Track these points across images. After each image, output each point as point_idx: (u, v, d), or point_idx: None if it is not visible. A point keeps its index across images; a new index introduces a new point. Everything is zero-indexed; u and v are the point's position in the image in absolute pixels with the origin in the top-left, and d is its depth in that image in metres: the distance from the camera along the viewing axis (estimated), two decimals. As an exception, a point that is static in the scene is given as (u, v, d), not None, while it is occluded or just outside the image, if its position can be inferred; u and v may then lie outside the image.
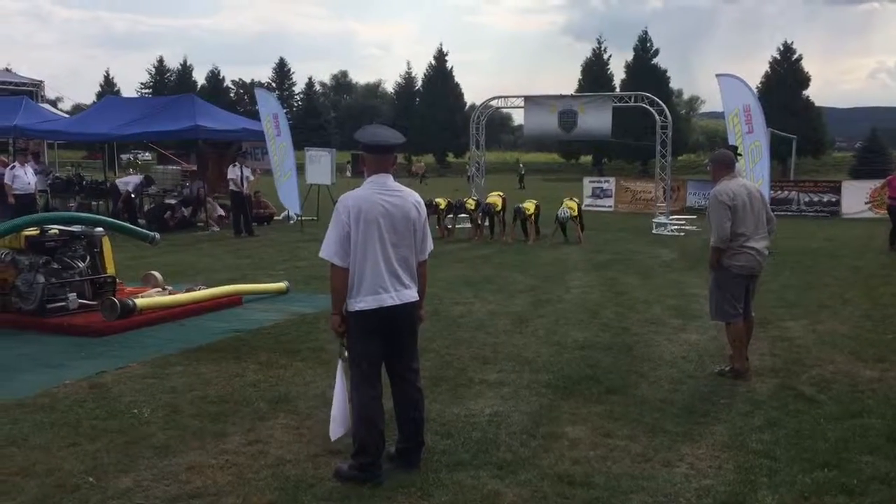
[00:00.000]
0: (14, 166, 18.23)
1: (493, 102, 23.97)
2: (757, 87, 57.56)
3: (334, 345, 5.28)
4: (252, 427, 5.41)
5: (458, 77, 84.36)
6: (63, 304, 8.67)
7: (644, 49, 72.65)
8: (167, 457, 4.87)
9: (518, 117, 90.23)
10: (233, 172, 18.50)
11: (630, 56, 73.67)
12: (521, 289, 11.29)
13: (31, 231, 8.91)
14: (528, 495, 4.35)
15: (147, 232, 10.94)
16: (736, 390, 6.35)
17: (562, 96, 22.83)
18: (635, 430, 5.41)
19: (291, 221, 20.95)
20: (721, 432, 5.39)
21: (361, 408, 4.58)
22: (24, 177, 17.73)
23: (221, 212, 21.05)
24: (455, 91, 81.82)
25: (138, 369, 6.89)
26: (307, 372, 6.81)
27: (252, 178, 18.91)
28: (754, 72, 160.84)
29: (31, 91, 27.74)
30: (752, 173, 15.81)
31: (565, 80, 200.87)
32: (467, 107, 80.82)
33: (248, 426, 5.43)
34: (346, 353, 4.70)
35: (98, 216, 9.82)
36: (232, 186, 18.56)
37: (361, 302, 4.50)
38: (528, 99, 22.52)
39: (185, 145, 30.23)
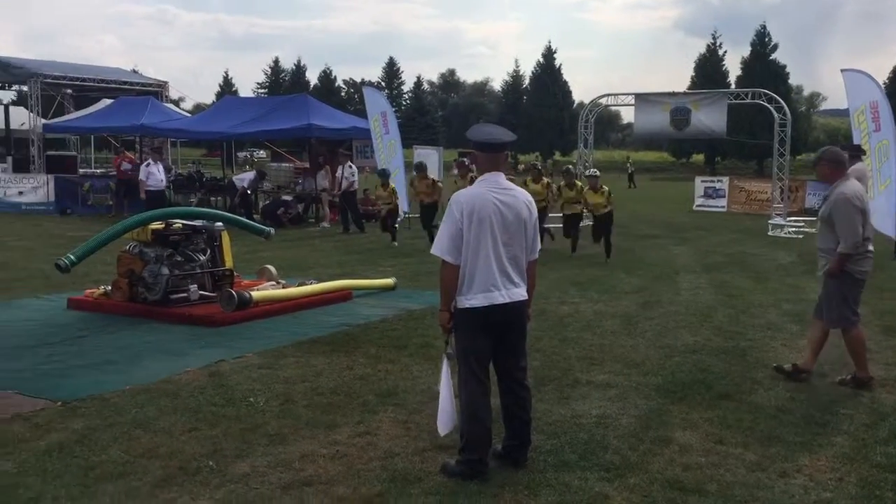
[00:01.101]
0: (149, 163, 19.27)
1: (603, 100, 23.65)
2: (885, 83, 54.60)
3: (441, 341, 5.34)
4: (361, 419, 5.53)
5: (567, 75, 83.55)
6: (185, 295, 9.08)
7: (762, 44, 70.04)
8: (281, 445, 5.04)
9: (627, 115, 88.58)
10: (339, 171, 19.11)
11: (746, 51, 71.21)
12: (628, 290, 11.10)
13: (157, 225, 9.37)
14: (637, 500, 4.28)
15: (262, 227, 11.33)
16: (858, 401, 6.05)
17: (674, 93, 22.29)
18: (749, 437, 5.23)
19: (399, 219, 21.22)
20: (842, 444, 5.15)
21: (469, 405, 4.61)
22: (157, 174, 18.85)
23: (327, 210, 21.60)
24: (563, 89, 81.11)
25: (254, 359, 7.15)
26: (414, 367, 6.90)
27: (354, 178, 19.34)
28: (882, 67, 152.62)
29: (156, 91, 29.15)
30: (879, 174, 15.00)
31: (677, 77, 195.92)
32: (575, 105, 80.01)
33: (357, 418, 5.55)
34: (453, 350, 4.74)
35: (217, 211, 10.25)
36: (344, 185, 19.07)
37: (472, 299, 4.53)
38: (638, 97, 22.09)
39: (297, 143, 31.14)
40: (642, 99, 21.99)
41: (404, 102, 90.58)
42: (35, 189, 23.48)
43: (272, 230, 11.30)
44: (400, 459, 4.81)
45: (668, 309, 9.68)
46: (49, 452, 4.85)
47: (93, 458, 4.76)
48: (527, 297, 4.70)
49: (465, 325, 4.60)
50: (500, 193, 4.60)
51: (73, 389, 6.16)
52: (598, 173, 15.21)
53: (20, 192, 23.40)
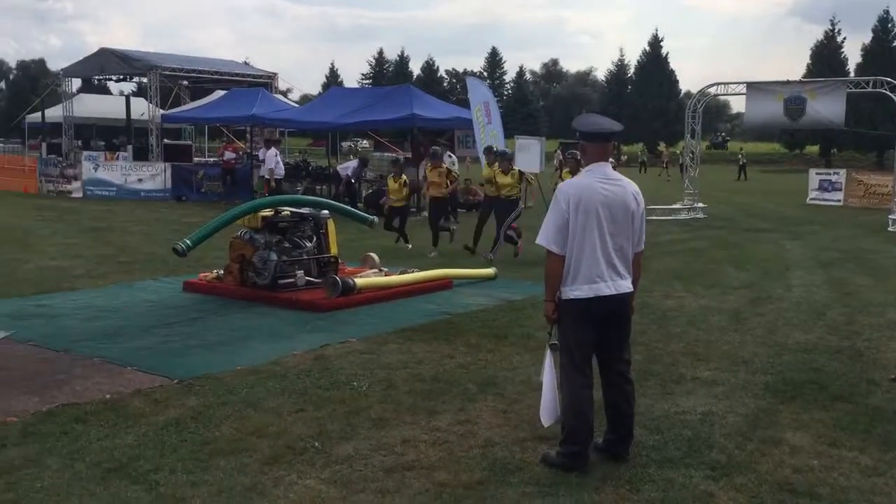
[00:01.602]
0: (277, 153, 20.16)
1: (712, 89, 22.95)
2: None
3: (543, 332, 5.31)
4: (462, 407, 5.58)
5: (673, 63, 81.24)
6: (292, 280, 9.35)
7: (884, 30, 66.29)
8: (383, 429, 5.13)
9: (736, 105, 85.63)
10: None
11: (868, 38, 67.58)
12: (736, 285, 10.77)
13: (267, 212, 9.68)
14: (743, 500, 4.16)
15: (366, 215, 11.54)
16: None
17: (788, 82, 21.41)
18: (865, 441, 5.00)
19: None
20: (969, 452, 4.86)
21: (571, 397, 4.58)
22: (281, 164, 19.84)
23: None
24: (669, 78, 79.02)
25: (357, 345, 7.31)
26: (514, 357, 6.91)
27: (453, 167, 19.51)
28: None
29: (266, 83, 30.04)
30: None
31: (792, 66, 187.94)
32: (682, 94, 77.89)
33: (458, 406, 5.60)
34: (554, 342, 4.72)
35: (323, 199, 10.50)
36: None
37: (577, 290, 4.50)
38: (750, 85, 21.34)
39: (400, 133, 31.52)
40: (754, 88, 21.22)
41: (506, 92, 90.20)
42: (153, 177, 24.60)
43: (375, 218, 11.49)
44: (500, 448, 4.83)
45: (779, 305, 9.34)
46: (166, 427, 5.09)
47: (207, 434, 4.98)
48: (632, 290, 4.63)
49: (569, 316, 4.57)
50: (608, 184, 4.54)
51: (188, 368, 6.45)
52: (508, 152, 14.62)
53: (139, 180, 24.56)
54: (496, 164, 13.65)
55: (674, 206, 22.24)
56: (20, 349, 6.94)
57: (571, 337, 4.58)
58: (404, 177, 14.53)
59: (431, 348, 7.17)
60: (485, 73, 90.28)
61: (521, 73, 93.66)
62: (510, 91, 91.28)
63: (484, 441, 4.94)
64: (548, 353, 4.85)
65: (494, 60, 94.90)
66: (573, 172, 12.65)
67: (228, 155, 24.14)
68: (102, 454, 4.63)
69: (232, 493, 4.15)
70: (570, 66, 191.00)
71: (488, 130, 20.48)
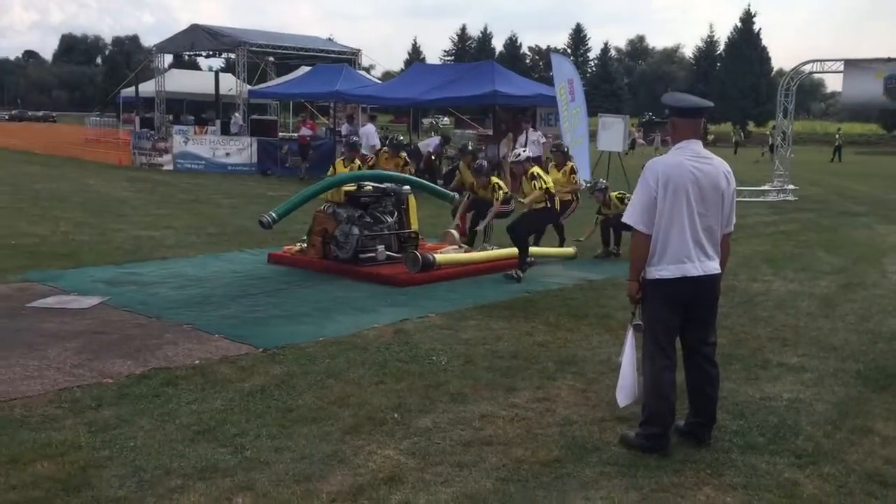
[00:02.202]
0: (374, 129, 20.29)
1: (806, 67, 22.09)
2: None
3: (624, 312, 5.24)
4: (540, 385, 5.57)
5: (766, 40, 78.44)
6: (373, 254, 9.47)
7: None
8: (462, 403, 5.17)
9: (832, 83, 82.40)
10: (523, 136, 19.16)
11: (977, 12, 63.80)
12: (827, 270, 10.40)
13: (350, 187, 9.81)
14: (830, 490, 4.04)
15: (446, 191, 11.56)
16: None
17: (890, 59, 20.42)
18: (964, 436, 4.79)
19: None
20: None
21: (653, 378, 4.52)
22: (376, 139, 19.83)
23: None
24: (761, 55, 76.54)
25: (436, 320, 7.36)
26: (594, 337, 6.85)
27: (539, 144, 19.27)
28: None
29: (350, 59, 30.33)
30: None
31: (894, 42, 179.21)
32: (773, 72, 75.29)
33: (536, 383, 5.59)
34: (639, 322, 4.65)
35: (404, 175, 10.57)
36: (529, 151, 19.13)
37: (664, 270, 4.42)
38: (848, 63, 20.44)
39: (481, 110, 31.42)
40: (853, 65, 20.33)
41: (589, 70, 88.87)
42: (240, 151, 25.19)
43: (456, 195, 11.52)
44: (578, 427, 4.81)
45: (873, 292, 8.99)
46: (252, 394, 5.24)
47: (290, 402, 5.11)
48: (719, 271, 4.52)
49: (654, 296, 4.49)
50: (698, 162, 4.43)
51: (272, 338, 6.61)
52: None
53: (227, 154, 25.18)
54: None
55: (763, 188, 21.58)
56: (115, 314, 7.24)
57: (656, 317, 4.51)
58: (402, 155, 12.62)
59: (510, 325, 7.17)
60: (568, 50, 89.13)
61: (605, 49, 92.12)
62: (594, 68, 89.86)
63: (562, 419, 4.93)
64: (629, 333, 4.79)
65: (578, 37, 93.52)
66: (559, 167, 11.75)
67: (304, 131, 24.47)
68: (191, 417, 4.81)
69: (314, 460, 4.25)
70: (657, 42, 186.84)
71: (571, 108, 20.27)
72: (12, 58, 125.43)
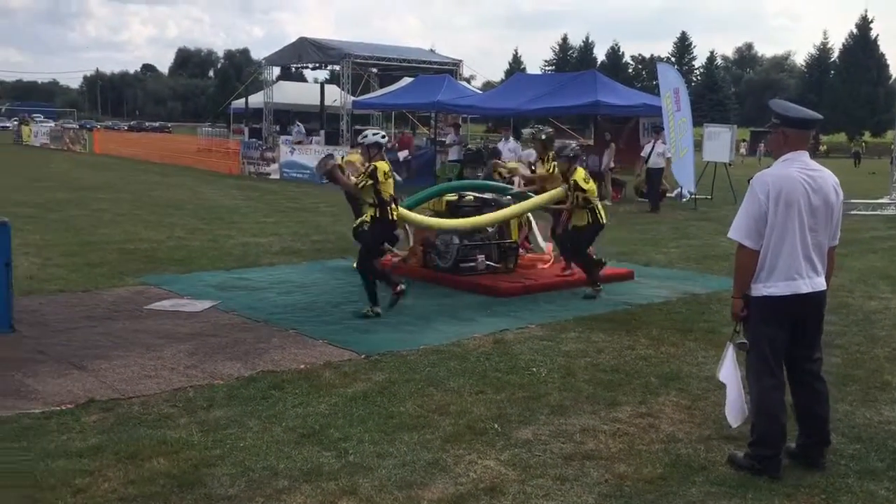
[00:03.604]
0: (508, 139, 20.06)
1: (929, 73, 20.91)
2: None
3: (730, 328, 5.06)
4: (643, 400, 5.46)
5: (884, 47, 74.99)
6: (473, 264, 9.50)
7: None
8: (562, 416, 5.12)
9: (958, 91, 77.90)
10: (650, 147, 18.94)
11: None
12: (952, 288, 9.80)
13: (451, 196, 9.88)
14: (957, 523, 3.81)
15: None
16: None
17: None
18: None
19: (684, 199, 20.52)
20: None
21: (761, 398, 4.36)
22: (504, 151, 19.49)
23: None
24: (879, 62, 73.08)
25: (536, 331, 7.32)
26: (699, 352, 6.67)
27: (664, 155, 18.93)
28: None
29: (451, 70, 30.60)
30: None
31: None
32: (892, 79, 71.77)
33: (639, 398, 5.49)
34: (742, 340, 4.51)
35: (505, 185, 10.57)
36: (652, 161, 18.85)
37: (772, 287, 4.26)
38: (975, 69, 19.25)
39: (581, 120, 31.13)
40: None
41: (695, 79, 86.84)
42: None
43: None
44: (683, 445, 4.69)
45: None
46: (355, 399, 5.34)
47: (392, 409, 5.18)
48: (825, 287, 4.35)
49: (761, 313, 4.34)
50: (809, 174, 4.27)
51: (374, 344, 6.72)
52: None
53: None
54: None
55: (880, 201, 20.56)
56: (225, 318, 7.51)
57: (764, 336, 4.35)
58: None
59: (611, 338, 7.07)
60: (672, 59, 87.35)
61: (711, 58, 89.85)
62: (699, 77, 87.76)
63: (666, 436, 4.82)
64: (729, 350, 4.65)
65: (683, 45, 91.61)
66: (564, 172, 9.14)
67: (402, 155, 24.27)
68: (297, 420, 4.93)
69: (415, 467, 4.29)
70: (766, 50, 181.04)
71: (677, 118, 19.85)
72: (131, 71, 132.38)
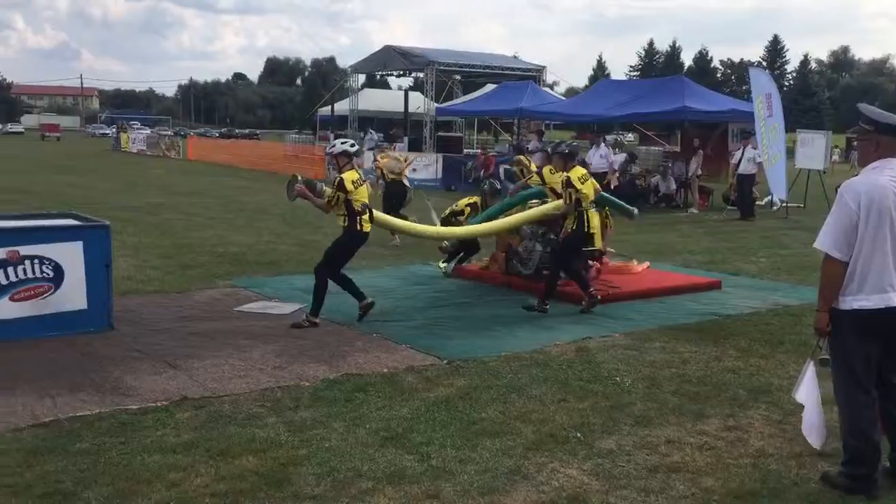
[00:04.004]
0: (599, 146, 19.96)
1: None
2: None
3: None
4: (731, 413, 5.33)
5: None
6: (555, 271, 9.42)
7: None
8: (647, 427, 5.04)
9: None
10: (739, 152, 18.50)
11: None
12: None
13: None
14: None
15: (629, 207, 11.32)
16: None
17: None
18: None
19: (775, 207, 19.91)
20: None
21: (853, 417, 4.19)
22: (594, 158, 19.42)
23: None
24: None
25: (620, 340, 7.23)
26: (790, 365, 6.45)
27: (755, 161, 18.43)
28: None
29: (534, 76, 30.50)
30: None
31: None
32: None
33: (727, 411, 5.36)
34: (825, 356, 4.35)
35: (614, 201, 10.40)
36: (743, 167, 18.38)
37: (864, 300, 4.10)
38: None
39: (667, 126, 30.58)
40: None
41: (787, 83, 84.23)
42: (426, 167, 25.96)
43: (636, 210, 11.26)
44: (773, 461, 4.55)
45: None
46: (437, 404, 5.38)
47: (473, 414, 5.19)
48: None
49: (851, 328, 4.16)
50: (899, 182, 4.09)
51: (455, 350, 6.76)
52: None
53: (414, 170, 25.99)
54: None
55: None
56: (311, 321, 7.66)
57: (855, 351, 4.17)
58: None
59: (698, 349, 6.92)
60: (763, 63, 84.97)
61: (805, 61, 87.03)
62: (791, 82, 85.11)
63: (755, 451, 4.69)
64: (809, 368, 4.50)
65: (775, 49, 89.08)
66: (560, 170, 8.50)
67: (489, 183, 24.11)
68: (381, 423, 5.00)
69: (497, 474, 4.29)
70: (863, 53, 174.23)
71: (769, 124, 19.29)
72: (223, 80, 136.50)
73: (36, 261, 6.72)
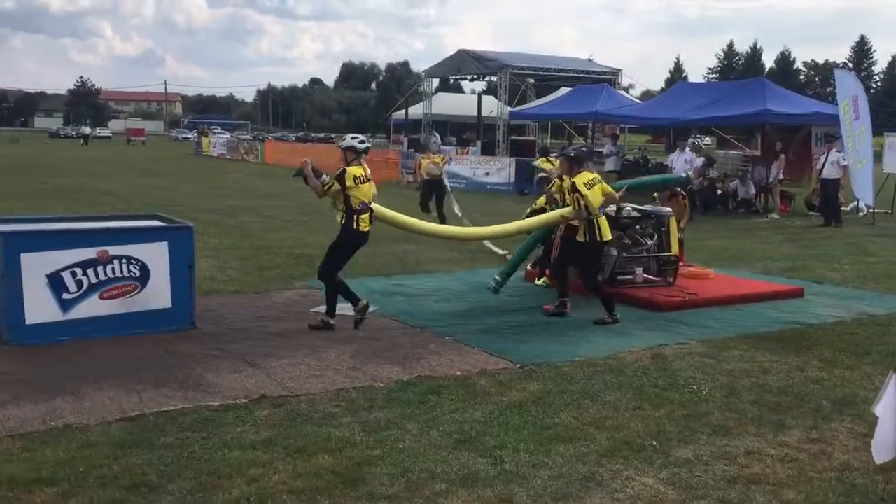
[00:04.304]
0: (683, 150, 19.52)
1: None
2: None
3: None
4: (814, 425, 5.17)
5: None
6: (630, 277, 9.32)
7: None
8: (725, 437, 4.94)
9: None
10: (824, 157, 17.97)
11: None
12: None
13: (610, 208, 9.72)
14: None
15: (678, 175, 10.97)
16: None
17: None
18: None
19: (861, 213, 19.23)
20: None
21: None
22: (678, 162, 18.94)
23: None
24: None
25: (697, 347, 7.09)
26: (877, 377, 6.20)
27: (840, 165, 17.81)
28: None
29: (610, 79, 30.18)
30: None
31: None
32: None
33: (809, 423, 5.21)
34: None
35: (679, 176, 10.15)
36: (825, 174, 17.81)
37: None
38: None
39: (747, 130, 29.83)
40: None
41: (874, 85, 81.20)
42: (499, 170, 25.95)
43: (686, 174, 10.87)
44: (859, 475, 4.41)
45: None
46: (510, 408, 5.38)
47: (546, 419, 5.17)
48: None
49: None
50: None
51: (528, 354, 6.74)
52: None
53: (486, 173, 26.05)
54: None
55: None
56: (385, 323, 7.76)
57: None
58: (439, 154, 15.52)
59: (779, 358, 6.73)
60: (849, 64, 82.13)
61: (893, 62, 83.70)
62: (879, 84, 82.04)
63: (840, 464, 4.54)
64: (893, 380, 4.32)
65: (862, 50, 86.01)
66: (567, 173, 8.13)
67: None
68: (454, 425, 5.03)
69: (571, 480, 4.27)
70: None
71: (856, 127, 18.63)
72: (300, 85, 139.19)
73: (124, 260, 6.98)
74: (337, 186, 7.36)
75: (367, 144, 7.79)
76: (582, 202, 7.86)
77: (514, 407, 5.40)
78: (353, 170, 7.38)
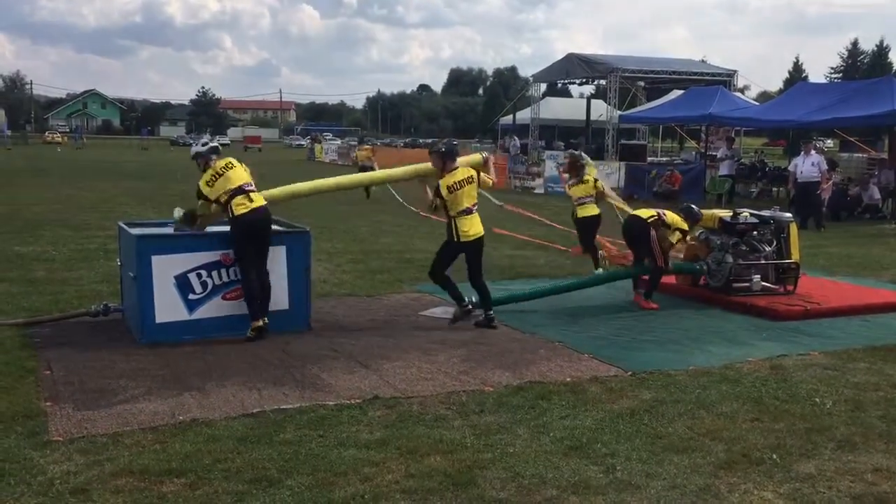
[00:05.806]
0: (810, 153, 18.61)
1: None
2: None
3: None
4: (949, 443, 4.88)
5: None
6: (747, 284, 9.02)
7: None
8: (850, 452, 4.72)
9: None
10: None
11: None
12: None
13: (725, 213, 9.47)
14: None
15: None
16: None
17: None
18: None
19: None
20: None
21: None
22: (804, 166, 18.11)
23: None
24: None
25: (819, 358, 6.81)
26: None
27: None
28: None
29: (724, 81, 29.31)
30: None
31: None
32: None
33: (943, 442, 4.91)
34: None
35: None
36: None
37: None
38: None
39: (873, 132, 28.41)
40: None
41: None
42: (608, 175, 25.55)
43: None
44: None
45: None
46: (621, 415, 5.31)
47: (659, 429, 5.08)
48: None
49: None
50: None
51: (640, 362, 6.63)
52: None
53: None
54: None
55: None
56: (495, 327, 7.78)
57: None
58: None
59: (909, 372, 6.38)
60: None
61: None
62: None
63: (977, 486, 4.27)
64: None
65: None
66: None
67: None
68: (564, 431, 5.00)
69: (685, 491, 4.18)
70: None
71: None
72: (408, 91, 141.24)
73: (245, 263, 7.25)
74: (199, 199, 7.40)
75: (209, 146, 7.70)
76: (439, 201, 7.92)
77: (626, 415, 5.32)
78: (205, 175, 7.40)
